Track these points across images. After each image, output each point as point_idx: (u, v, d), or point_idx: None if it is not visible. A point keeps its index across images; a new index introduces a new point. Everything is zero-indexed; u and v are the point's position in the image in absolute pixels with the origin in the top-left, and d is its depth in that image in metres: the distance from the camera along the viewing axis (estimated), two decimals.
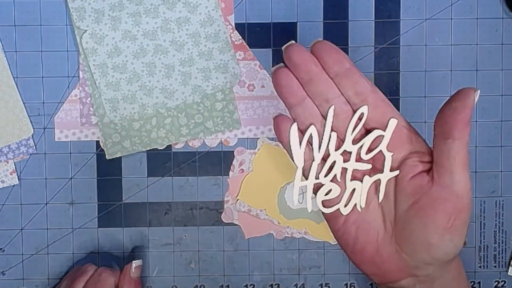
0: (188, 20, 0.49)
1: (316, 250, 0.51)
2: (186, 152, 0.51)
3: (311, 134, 0.32)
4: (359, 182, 0.33)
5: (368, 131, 0.33)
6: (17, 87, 0.50)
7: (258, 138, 0.50)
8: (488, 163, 0.51)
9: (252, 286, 0.51)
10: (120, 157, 0.50)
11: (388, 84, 0.50)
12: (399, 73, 0.50)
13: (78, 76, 0.50)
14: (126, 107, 0.49)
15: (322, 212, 0.35)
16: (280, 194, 0.51)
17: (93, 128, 0.50)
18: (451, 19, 0.50)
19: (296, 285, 0.52)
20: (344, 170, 0.33)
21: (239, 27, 0.50)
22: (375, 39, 0.50)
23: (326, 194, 0.34)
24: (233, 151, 0.51)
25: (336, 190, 0.33)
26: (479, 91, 0.31)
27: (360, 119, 0.32)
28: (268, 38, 0.50)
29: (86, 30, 0.49)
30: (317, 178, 0.33)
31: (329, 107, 0.32)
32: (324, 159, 0.33)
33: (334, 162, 0.33)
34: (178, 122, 0.50)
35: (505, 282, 0.52)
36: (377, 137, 0.33)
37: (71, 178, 0.50)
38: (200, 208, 0.51)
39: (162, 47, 0.49)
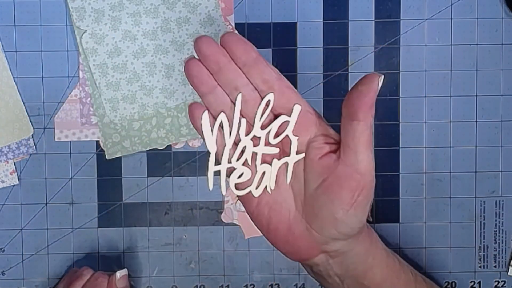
0: (188, 20, 0.49)
1: None
2: (186, 152, 0.51)
3: (221, 121, 0.34)
4: (269, 165, 0.35)
5: (276, 117, 0.35)
6: (17, 87, 0.50)
7: None
8: (488, 163, 0.51)
9: (252, 286, 0.51)
10: (120, 157, 0.50)
11: (388, 84, 0.50)
12: (399, 73, 0.50)
13: (78, 76, 0.50)
14: (126, 107, 0.49)
15: (237, 195, 0.37)
16: None
17: (93, 128, 0.50)
18: (451, 19, 0.50)
19: (296, 285, 0.52)
20: (255, 154, 0.35)
21: (239, 27, 0.50)
22: (375, 39, 0.50)
23: (239, 177, 0.35)
24: None
25: (247, 173, 0.35)
26: (383, 77, 0.33)
27: (267, 105, 0.34)
28: (268, 38, 0.50)
29: (86, 30, 0.49)
30: (229, 162, 0.35)
31: (237, 95, 0.34)
32: (235, 144, 0.35)
33: (245, 146, 0.35)
34: (178, 122, 0.50)
35: (505, 282, 0.52)
36: (283, 122, 0.35)
37: (71, 178, 0.50)
38: (200, 208, 0.51)
39: (162, 47, 0.49)
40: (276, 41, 0.50)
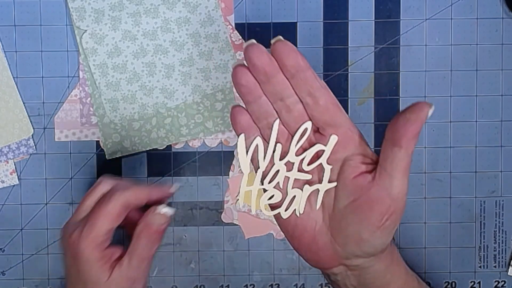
0: (188, 20, 0.49)
1: None
2: (186, 152, 0.51)
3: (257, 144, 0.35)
4: (300, 190, 0.36)
5: (316, 131, 0.35)
6: (17, 87, 0.50)
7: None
8: (488, 163, 0.51)
9: (252, 286, 0.51)
10: (120, 157, 0.50)
11: (388, 84, 0.50)
12: (399, 73, 0.50)
13: (78, 76, 0.50)
14: (126, 107, 0.49)
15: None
16: None
17: (93, 128, 0.50)
18: (451, 19, 0.50)
19: (296, 285, 0.52)
20: (287, 178, 0.36)
21: (239, 27, 0.50)
22: (375, 39, 0.50)
23: (269, 198, 0.36)
24: (233, 151, 0.51)
25: (278, 195, 0.36)
26: (433, 107, 0.33)
27: (304, 134, 0.35)
28: (268, 38, 0.50)
29: (86, 30, 0.49)
30: (262, 183, 0.36)
31: (274, 121, 0.35)
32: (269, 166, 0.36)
33: (278, 170, 0.35)
34: (178, 122, 0.50)
35: (505, 282, 0.52)
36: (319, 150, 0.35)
37: (71, 178, 0.50)
38: (200, 208, 0.51)
39: (162, 47, 0.49)
40: None
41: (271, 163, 0.36)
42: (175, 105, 0.50)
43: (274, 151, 0.35)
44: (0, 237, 0.51)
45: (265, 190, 0.36)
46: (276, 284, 0.51)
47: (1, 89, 0.49)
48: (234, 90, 0.50)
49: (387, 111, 0.51)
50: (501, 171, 0.51)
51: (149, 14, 0.49)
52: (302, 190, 0.36)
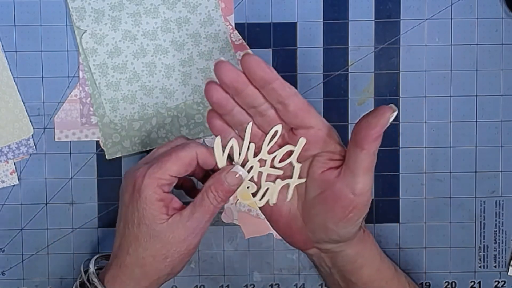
0: (188, 20, 0.49)
1: None
2: None
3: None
4: (272, 183, 0.40)
5: (289, 130, 0.39)
6: (17, 87, 0.50)
7: None
8: (488, 163, 0.51)
9: (252, 286, 0.51)
10: (120, 157, 0.50)
11: (388, 84, 0.50)
12: (399, 73, 0.50)
13: (78, 76, 0.50)
14: (126, 107, 0.49)
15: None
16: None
17: (93, 128, 0.50)
18: (451, 19, 0.50)
19: (296, 285, 0.52)
20: (260, 173, 0.40)
21: (239, 27, 0.50)
22: (375, 39, 0.50)
23: (247, 188, 0.40)
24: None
25: (253, 187, 0.40)
26: (395, 112, 0.35)
27: (274, 135, 0.39)
28: (268, 38, 0.50)
29: (86, 30, 0.49)
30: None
31: (247, 125, 0.38)
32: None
33: (252, 166, 0.40)
34: (178, 122, 0.50)
35: (505, 282, 0.52)
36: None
37: (71, 178, 0.50)
38: None
39: (162, 47, 0.49)
40: (276, 41, 0.50)
41: (246, 159, 0.40)
42: (175, 105, 0.50)
43: (248, 149, 0.39)
44: (0, 237, 0.51)
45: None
46: (276, 284, 0.51)
47: (1, 89, 0.49)
48: None
49: None
50: (501, 171, 0.51)
51: (149, 14, 0.49)
52: (274, 183, 0.40)
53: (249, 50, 0.36)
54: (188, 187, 0.44)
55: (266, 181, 0.40)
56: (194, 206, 0.39)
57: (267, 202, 0.40)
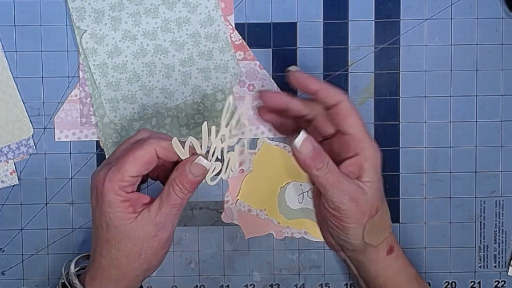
0: (188, 20, 0.49)
1: (316, 250, 0.51)
2: None
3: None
4: (232, 152, 0.40)
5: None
6: (17, 87, 0.50)
7: (258, 138, 0.50)
8: (488, 163, 0.51)
9: (252, 286, 0.51)
10: None
11: (388, 84, 0.50)
12: (399, 73, 0.50)
13: (78, 76, 0.50)
14: (126, 107, 0.49)
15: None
16: (280, 194, 0.51)
17: (93, 128, 0.50)
18: (451, 19, 0.50)
19: (296, 285, 0.52)
20: (222, 149, 0.40)
21: (239, 27, 0.50)
22: (375, 39, 0.50)
23: (214, 171, 0.40)
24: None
25: (218, 165, 0.40)
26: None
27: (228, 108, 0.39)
28: (268, 38, 0.50)
29: (86, 30, 0.49)
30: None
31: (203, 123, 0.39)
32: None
33: (215, 147, 0.39)
34: (178, 122, 0.50)
35: (505, 282, 0.52)
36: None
37: (71, 178, 0.50)
38: (200, 208, 0.51)
39: (162, 47, 0.49)
40: (276, 41, 0.50)
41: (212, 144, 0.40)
42: (175, 105, 0.50)
43: (209, 135, 0.39)
44: (0, 237, 0.51)
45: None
46: (276, 284, 0.51)
47: (1, 89, 0.49)
48: (234, 90, 0.50)
49: (387, 111, 0.51)
50: (501, 171, 0.51)
51: (149, 14, 0.49)
52: (233, 151, 0.40)
53: (295, 67, 0.40)
54: (163, 177, 0.42)
55: (227, 153, 0.40)
56: (161, 200, 0.38)
57: (231, 171, 0.40)
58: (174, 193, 0.38)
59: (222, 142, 0.40)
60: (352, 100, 0.40)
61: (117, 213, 0.38)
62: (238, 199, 0.51)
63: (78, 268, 0.42)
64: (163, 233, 0.39)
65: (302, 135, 0.37)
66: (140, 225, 0.38)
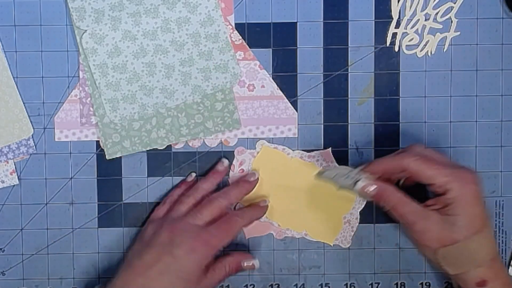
0: (188, 20, 0.49)
1: (316, 250, 0.51)
2: (186, 152, 0.51)
3: None
4: None
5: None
6: (17, 87, 0.50)
7: (257, 141, 0.50)
8: (488, 163, 0.51)
9: (252, 286, 0.51)
10: (120, 157, 0.50)
11: (388, 84, 0.50)
12: (399, 73, 0.50)
13: (78, 76, 0.50)
14: (126, 107, 0.49)
15: None
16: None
17: (93, 128, 0.50)
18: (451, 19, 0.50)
19: (296, 285, 0.51)
20: None
21: (239, 27, 0.50)
22: (375, 39, 0.50)
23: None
24: (233, 151, 0.51)
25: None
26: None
27: None
28: (268, 38, 0.50)
29: (86, 30, 0.49)
30: None
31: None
32: None
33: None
34: (178, 122, 0.50)
35: None
36: None
37: (71, 178, 0.50)
38: None
39: (162, 47, 0.49)
40: (276, 41, 0.50)
41: None
42: (175, 105, 0.50)
43: None
44: (0, 237, 0.51)
45: None
46: (276, 284, 0.51)
47: (1, 89, 0.49)
48: (234, 90, 0.50)
49: (387, 111, 0.51)
50: (501, 171, 0.51)
51: (149, 14, 0.49)
52: None
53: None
54: None
55: None
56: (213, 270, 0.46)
57: None
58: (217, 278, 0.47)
59: None
60: (420, 146, 0.45)
61: (192, 268, 0.45)
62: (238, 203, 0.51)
63: None
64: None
65: (360, 184, 0.44)
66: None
